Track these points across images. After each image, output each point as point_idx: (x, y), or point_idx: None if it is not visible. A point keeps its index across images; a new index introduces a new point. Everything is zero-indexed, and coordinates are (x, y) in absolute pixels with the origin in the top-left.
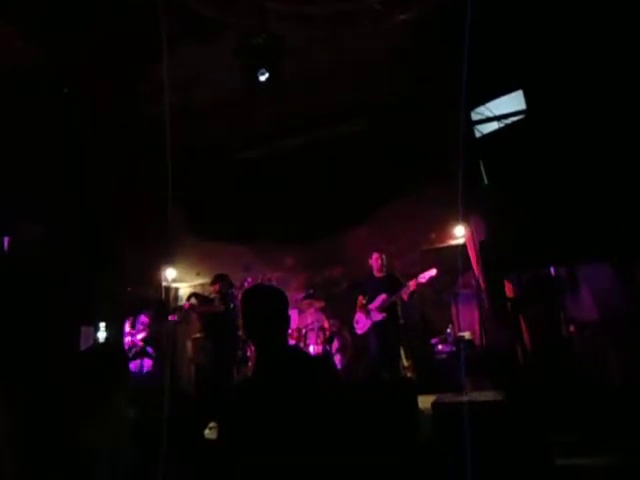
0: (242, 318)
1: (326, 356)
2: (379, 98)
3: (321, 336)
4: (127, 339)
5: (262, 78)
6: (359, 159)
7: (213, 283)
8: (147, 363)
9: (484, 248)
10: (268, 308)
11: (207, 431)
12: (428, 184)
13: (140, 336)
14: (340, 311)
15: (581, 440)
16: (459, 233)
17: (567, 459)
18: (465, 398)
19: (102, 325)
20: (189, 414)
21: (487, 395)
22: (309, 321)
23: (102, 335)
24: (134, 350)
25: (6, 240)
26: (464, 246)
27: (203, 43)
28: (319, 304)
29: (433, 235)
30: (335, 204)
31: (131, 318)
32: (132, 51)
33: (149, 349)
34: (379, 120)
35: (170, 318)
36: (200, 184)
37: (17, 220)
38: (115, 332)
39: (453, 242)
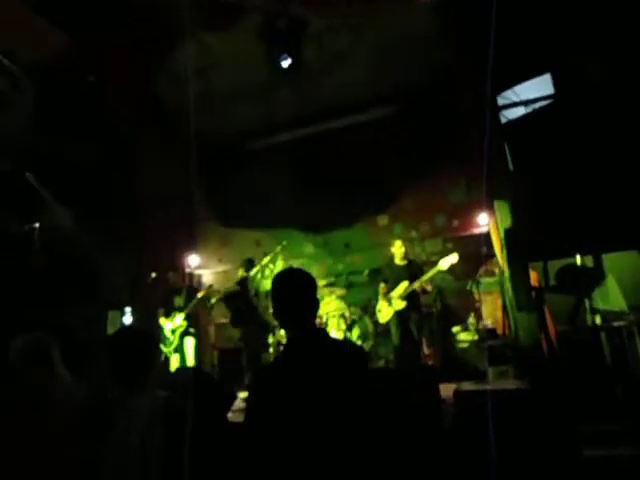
0: (271, 301)
1: (353, 342)
2: (403, 84)
3: (342, 324)
4: (168, 325)
5: (284, 64)
6: (382, 146)
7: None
8: (190, 342)
9: (509, 236)
10: (297, 291)
11: (230, 414)
12: (452, 171)
13: (179, 318)
14: (361, 299)
15: (612, 431)
16: (483, 221)
17: (600, 449)
18: (488, 386)
19: (128, 310)
20: (214, 397)
21: (511, 383)
22: (330, 308)
23: (128, 320)
24: (179, 331)
25: (35, 226)
26: (487, 234)
27: (225, 29)
28: (340, 292)
29: (456, 222)
30: (357, 191)
31: (163, 306)
32: (154, 38)
33: (191, 329)
34: (401, 107)
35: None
36: (222, 171)
37: (47, 206)
38: (140, 317)
39: (476, 230)
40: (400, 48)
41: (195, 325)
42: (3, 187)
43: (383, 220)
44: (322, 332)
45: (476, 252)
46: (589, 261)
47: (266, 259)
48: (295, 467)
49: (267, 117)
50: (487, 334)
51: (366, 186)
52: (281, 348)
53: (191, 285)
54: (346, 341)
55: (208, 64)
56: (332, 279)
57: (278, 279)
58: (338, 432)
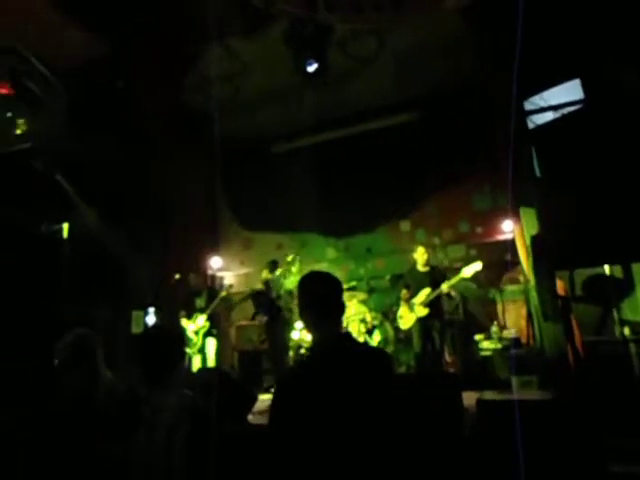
0: (298, 303)
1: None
2: (428, 89)
3: (362, 328)
4: (191, 327)
5: (310, 69)
6: (406, 151)
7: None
8: (212, 343)
9: (535, 243)
10: (323, 294)
11: (250, 416)
12: (476, 177)
13: (202, 319)
14: (382, 304)
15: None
16: (507, 227)
17: (626, 466)
18: (512, 396)
19: (151, 310)
20: (236, 398)
21: (535, 394)
22: (351, 312)
23: (151, 319)
24: (202, 332)
25: (64, 226)
26: (512, 241)
27: (252, 34)
28: (361, 296)
29: (479, 229)
30: (380, 196)
31: (184, 307)
32: (182, 43)
33: (213, 330)
34: (426, 112)
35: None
36: (246, 174)
37: (76, 206)
38: (163, 317)
39: (500, 237)
40: (426, 53)
41: (216, 326)
42: (35, 187)
43: (405, 226)
44: (348, 335)
45: (500, 259)
46: (618, 271)
47: (289, 257)
48: (318, 468)
49: (292, 121)
50: (510, 343)
51: (389, 191)
52: (301, 351)
53: (212, 287)
54: (371, 345)
55: (235, 69)
56: (353, 283)
57: (305, 281)
58: (362, 435)
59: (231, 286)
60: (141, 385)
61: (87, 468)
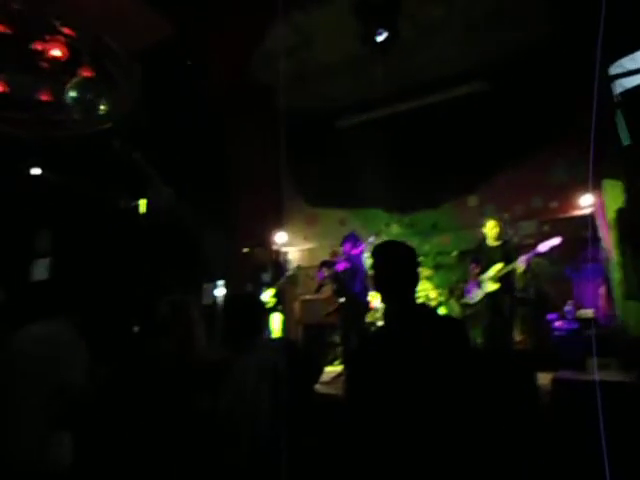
0: (372, 273)
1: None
2: (499, 56)
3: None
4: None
5: (379, 38)
6: (475, 122)
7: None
8: (277, 318)
9: (621, 217)
10: (397, 263)
11: (317, 386)
12: (552, 149)
13: (268, 294)
14: (448, 281)
15: None
16: (585, 202)
17: None
18: (591, 377)
19: (220, 283)
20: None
21: (616, 376)
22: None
23: (220, 292)
24: (267, 307)
25: (144, 203)
26: (592, 216)
27: (318, 4)
28: (427, 272)
29: (554, 204)
30: (446, 170)
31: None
32: (249, 17)
33: (278, 305)
34: (498, 81)
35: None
36: (309, 149)
37: (152, 182)
38: (231, 290)
39: (577, 212)
40: (497, 17)
41: (281, 302)
42: (114, 165)
43: (473, 201)
44: (423, 305)
45: (576, 236)
46: None
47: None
48: (393, 436)
49: (356, 95)
50: (587, 323)
51: (456, 165)
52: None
53: (278, 262)
54: (447, 315)
55: (300, 41)
56: (418, 260)
57: (379, 251)
58: (435, 404)
59: (299, 267)
60: (225, 347)
61: (182, 421)
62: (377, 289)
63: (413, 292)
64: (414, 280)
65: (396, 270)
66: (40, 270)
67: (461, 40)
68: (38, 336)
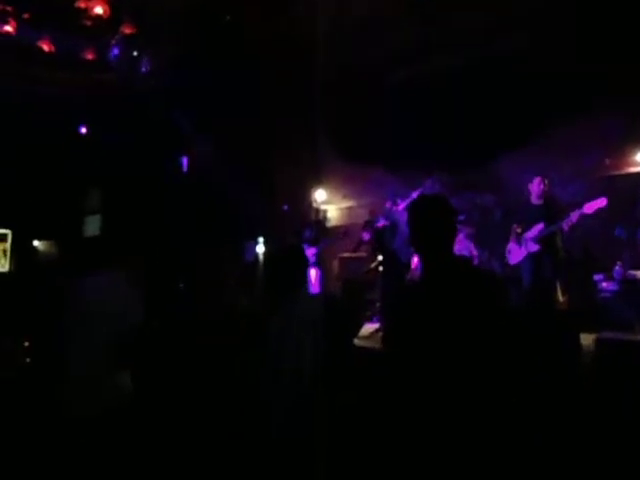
0: (410, 227)
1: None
2: (548, 5)
3: None
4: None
5: None
6: (524, 76)
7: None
8: (316, 273)
9: None
10: (434, 215)
11: (356, 340)
12: (609, 103)
13: (310, 251)
14: (490, 241)
15: None
16: None
17: None
18: (637, 338)
19: (261, 240)
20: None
21: None
22: (456, 247)
23: (261, 249)
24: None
25: (185, 160)
26: None
27: None
28: (468, 230)
29: (607, 161)
30: (489, 126)
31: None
32: None
33: (317, 261)
34: (541, 34)
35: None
36: (348, 106)
37: (193, 140)
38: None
39: (632, 169)
40: None
41: (321, 258)
42: (155, 124)
43: (519, 157)
44: (462, 259)
45: (630, 194)
46: None
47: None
48: (431, 390)
49: (398, 51)
50: (636, 284)
51: (500, 122)
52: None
53: (318, 219)
54: (485, 270)
55: None
56: (461, 217)
57: (416, 205)
58: (474, 360)
59: (345, 232)
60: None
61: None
62: (414, 243)
63: (451, 245)
64: (451, 233)
65: (433, 222)
66: (91, 227)
67: None
68: (98, 284)
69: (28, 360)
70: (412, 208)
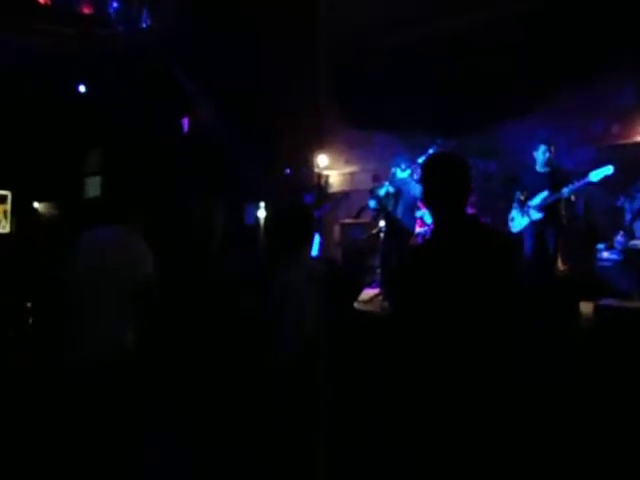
0: (422, 185)
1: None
2: None
3: None
4: None
5: None
6: (531, 41)
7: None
8: (317, 240)
9: None
10: (448, 175)
11: (355, 304)
12: (619, 69)
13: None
14: (492, 208)
15: None
16: None
17: None
18: (636, 305)
19: (262, 204)
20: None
21: None
22: None
23: (262, 213)
24: None
25: (186, 121)
26: None
27: None
28: (471, 197)
29: (616, 128)
30: (495, 92)
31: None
32: None
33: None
34: None
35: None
36: (352, 71)
37: (195, 100)
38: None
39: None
40: None
41: (321, 224)
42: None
43: (524, 123)
44: (474, 218)
45: (636, 163)
46: None
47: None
48: (438, 350)
49: (398, 12)
50: (637, 254)
51: (506, 86)
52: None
53: (320, 184)
54: (497, 230)
55: None
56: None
57: (430, 162)
58: (479, 319)
59: (344, 197)
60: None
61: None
62: (427, 199)
63: (464, 203)
64: (465, 190)
65: (447, 177)
66: (91, 188)
67: None
68: (112, 236)
69: (30, 321)
70: (426, 165)
